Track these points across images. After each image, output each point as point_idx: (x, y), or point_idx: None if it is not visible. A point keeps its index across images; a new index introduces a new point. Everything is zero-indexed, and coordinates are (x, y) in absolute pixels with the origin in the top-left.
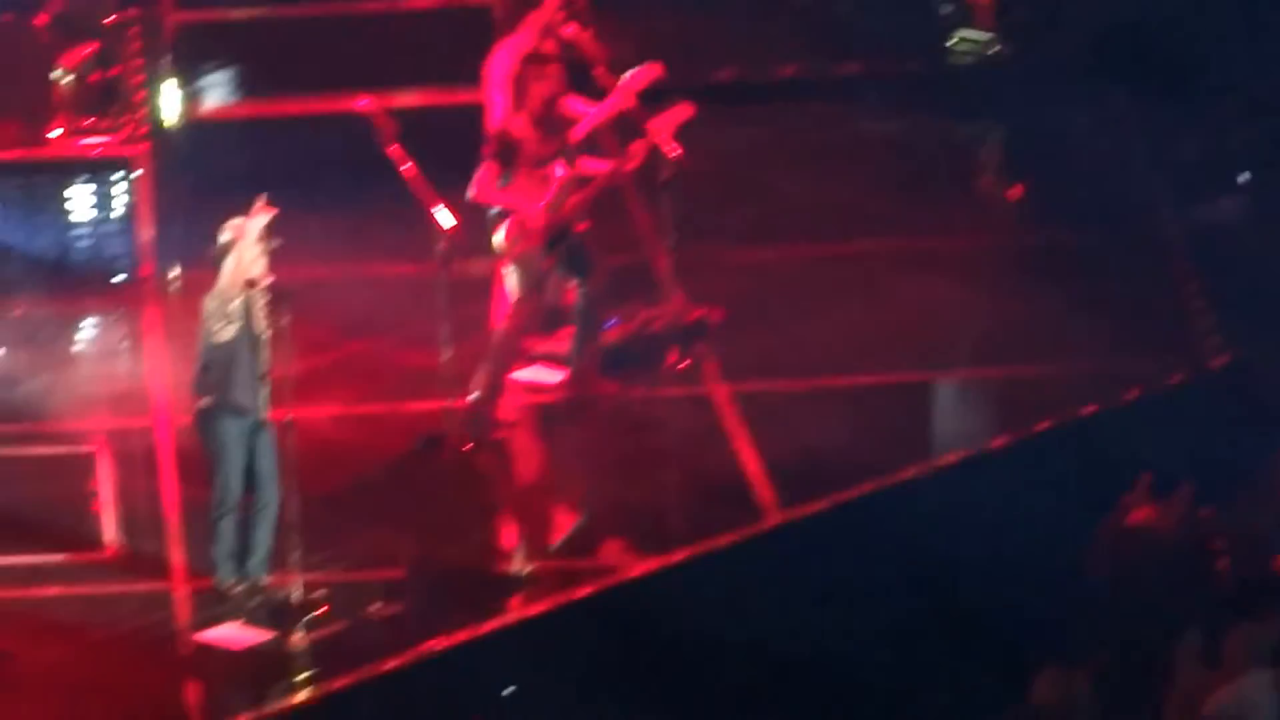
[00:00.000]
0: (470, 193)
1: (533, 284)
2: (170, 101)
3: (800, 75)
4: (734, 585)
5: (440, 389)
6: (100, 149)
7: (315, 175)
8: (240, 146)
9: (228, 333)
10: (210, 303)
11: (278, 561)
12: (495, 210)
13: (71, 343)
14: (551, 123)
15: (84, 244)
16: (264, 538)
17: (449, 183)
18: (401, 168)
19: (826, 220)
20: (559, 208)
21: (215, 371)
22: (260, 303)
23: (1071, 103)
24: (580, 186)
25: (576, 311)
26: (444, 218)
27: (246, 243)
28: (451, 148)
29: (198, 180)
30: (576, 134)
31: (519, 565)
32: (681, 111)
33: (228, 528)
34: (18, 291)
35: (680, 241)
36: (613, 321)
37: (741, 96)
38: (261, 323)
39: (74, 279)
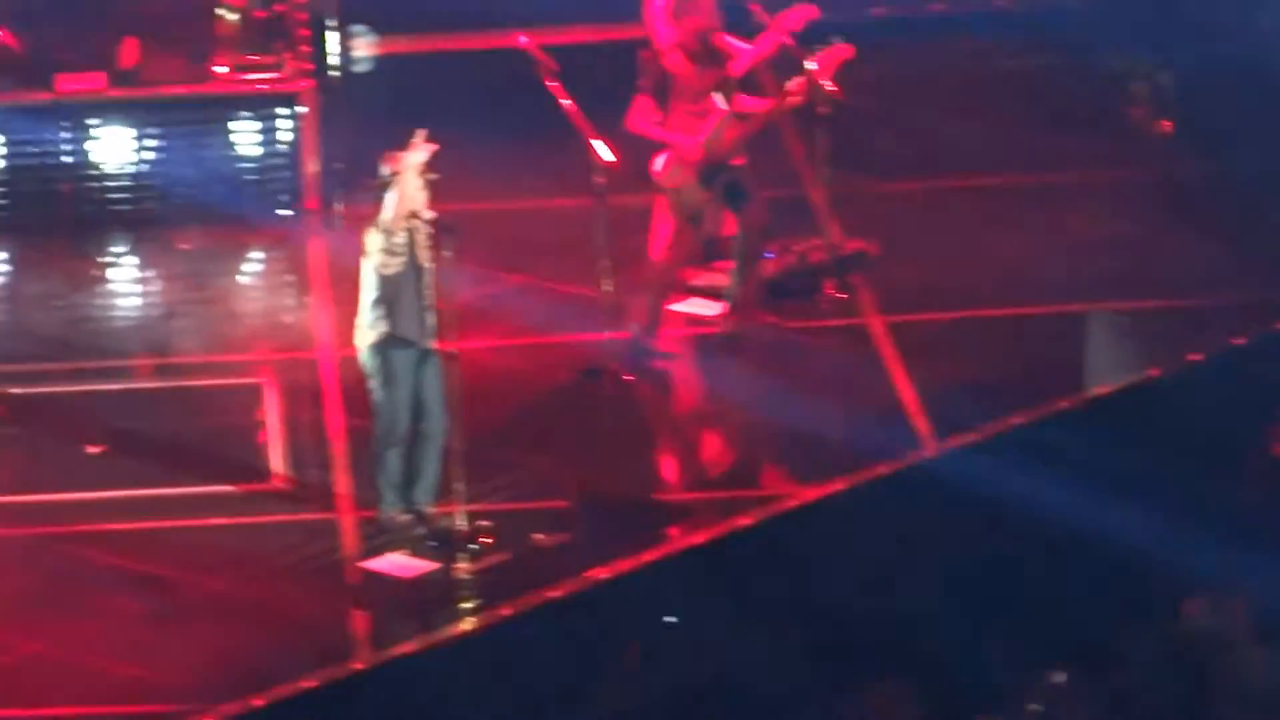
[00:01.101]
0: (627, 124)
1: (690, 217)
2: (333, 38)
3: (951, 11)
4: (894, 515)
5: (600, 321)
6: (265, 85)
7: (474, 110)
8: (401, 82)
9: (392, 265)
10: (374, 236)
11: (442, 491)
12: (653, 143)
13: (239, 275)
14: (708, 58)
15: (249, 179)
16: (430, 467)
17: (607, 118)
18: (560, 102)
19: (978, 154)
20: (716, 142)
21: (381, 303)
22: (423, 235)
23: (1223, 38)
24: (738, 122)
25: (734, 244)
26: (602, 151)
27: (408, 176)
28: (609, 82)
29: (360, 116)
30: (735, 70)
31: (679, 494)
32: (841, 51)
33: (393, 458)
34: (185, 225)
35: (836, 175)
36: (770, 254)
37: (894, 31)
38: (425, 255)
39: (239, 213)
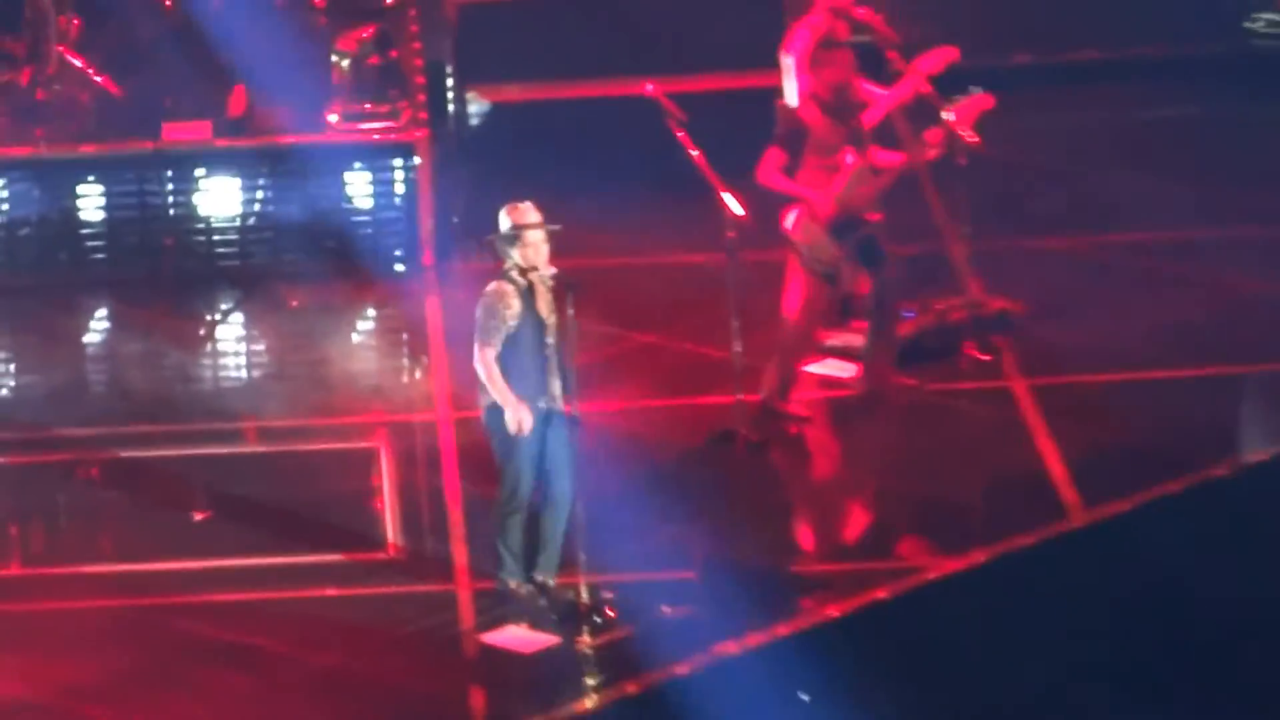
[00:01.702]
0: (757, 177)
1: (824, 274)
2: (450, 86)
3: (1102, 57)
4: (1037, 589)
5: (730, 382)
6: (380, 134)
7: (598, 161)
8: (521, 131)
9: (513, 323)
10: (494, 292)
11: (565, 561)
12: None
13: (352, 333)
14: (843, 109)
15: (363, 232)
16: (554, 536)
17: (738, 170)
18: (688, 153)
19: (1128, 207)
20: (851, 196)
21: (502, 362)
22: (545, 292)
23: None
24: (873, 175)
25: (871, 303)
26: (732, 205)
27: (529, 230)
28: (740, 133)
29: (478, 166)
30: (868, 120)
31: (812, 565)
32: (981, 102)
33: (515, 525)
34: (295, 281)
35: (978, 231)
36: (909, 313)
37: (1039, 80)
38: (547, 312)
39: (353, 267)
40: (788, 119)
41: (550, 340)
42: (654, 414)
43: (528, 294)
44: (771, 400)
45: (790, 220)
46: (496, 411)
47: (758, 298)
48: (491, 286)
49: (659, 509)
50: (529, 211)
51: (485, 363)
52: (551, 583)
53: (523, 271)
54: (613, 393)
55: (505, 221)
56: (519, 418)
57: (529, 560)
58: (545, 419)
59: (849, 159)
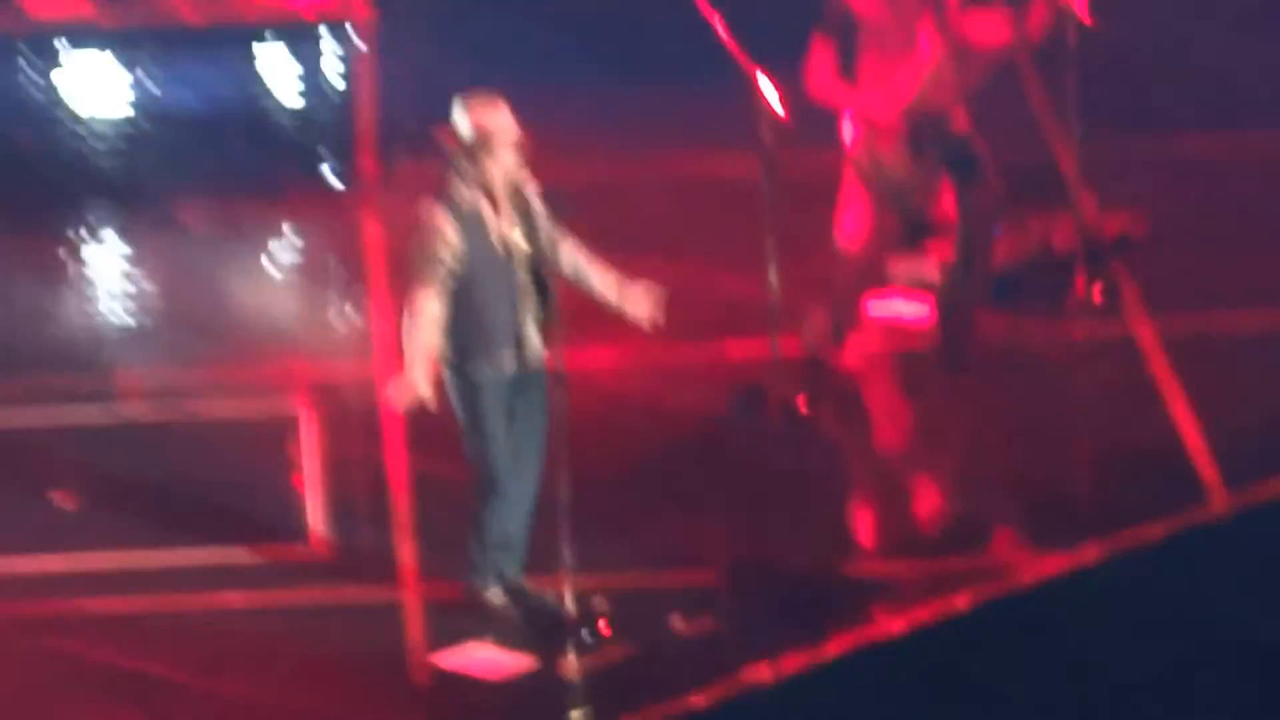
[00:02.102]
0: (807, 85)
1: (892, 194)
2: None
3: None
4: (1165, 591)
5: (764, 327)
6: (309, 5)
7: (588, 35)
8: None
9: (453, 260)
10: (452, 217)
11: (543, 560)
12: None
13: (268, 264)
14: None
15: (282, 132)
16: (523, 529)
17: (779, 57)
18: (709, 21)
19: None
20: (926, 95)
21: (463, 311)
22: (522, 216)
23: None
24: (957, 65)
25: (955, 226)
26: (771, 97)
27: (499, 133)
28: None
29: (431, 47)
30: None
31: (867, 566)
32: None
33: (493, 517)
34: (193, 195)
35: (1092, 132)
36: (1001, 236)
37: None
38: (518, 239)
39: (275, 178)
40: (839, 8)
41: (521, 273)
42: (662, 371)
43: (480, 220)
44: (819, 350)
45: (848, 129)
46: (457, 374)
47: (804, 220)
48: (424, 210)
49: (669, 493)
50: (497, 110)
51: (411, 309)
52: (525, 587)
53: (483, 189)
54: (610, 343)
55: (464, 122)
56: (400, 387)
57: (497, 560)
58: (518, 383)
59: (924, 47)
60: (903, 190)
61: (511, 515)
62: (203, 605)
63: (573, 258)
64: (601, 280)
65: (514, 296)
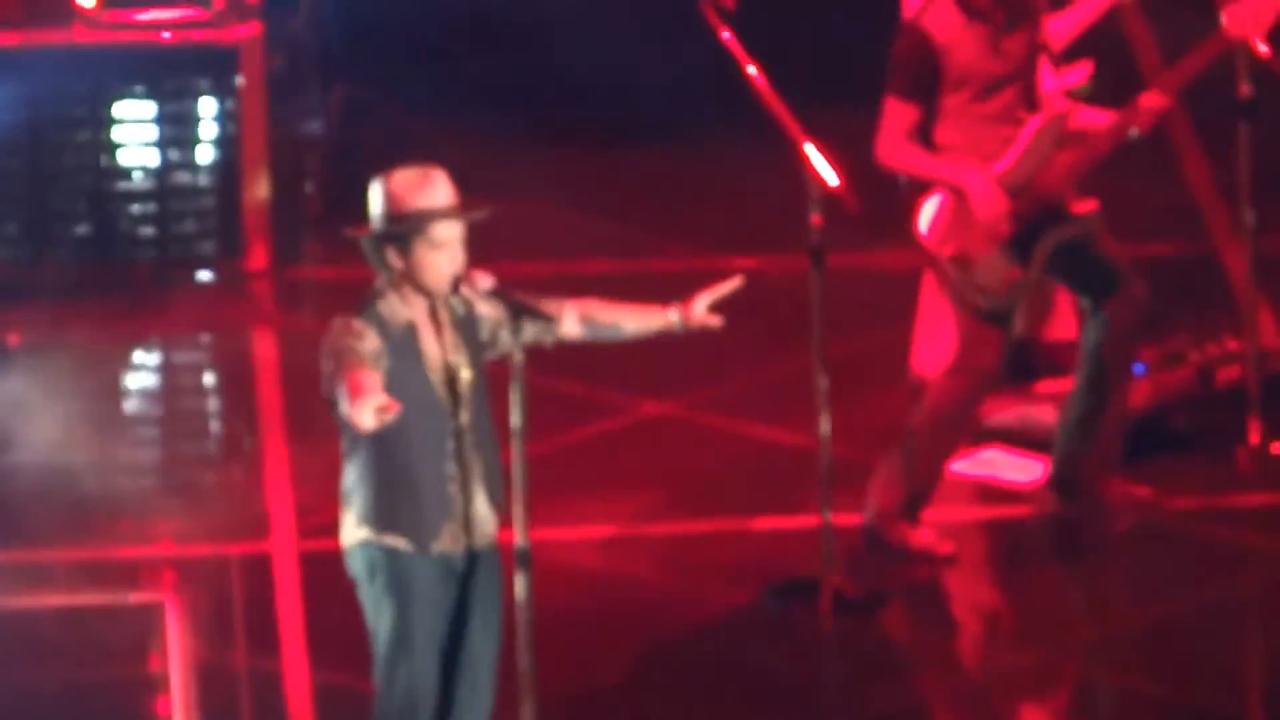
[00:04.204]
0: (878, 154)
1: (990, 309)
2: None
3: None
4: None
5: (811, 491)
6: (175, 32)
7: (547, 80)
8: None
9: (410, 395)
10: (338, 330)
11: None
12: (911, 179)
13: (121, 392)
14: (1013, 25)
15: (140, 207)
16: None
17: (829, 124)
18: (743, 71)
19: None
20: (1035, 173)
21: (385, 467)
22: (454, 325)
23: None
24: (1075, 135)
25: (1080, 356)
26: (822, 168)
27: (440, 221)
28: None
29: (355, 89)
30: (1056, 41)
31: None
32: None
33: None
34: (22, 295)
35: (1271, 221)
36: (1141, 369)
37: None
38: (460, 362)
39: (126, 272)
40: (917, 42)
41: (466, 414)
42: (664, 545)
43: (413, 343)
44: (887, 524)
45: (929, 215)
46: (368, 549)
47: (865, 336)
48: (337, 323)
49: (673, 705)
50: (438, 186)
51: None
52: None
53: (418, 290)
54: (593, 510)
55: (388, 203)
56: (358, 406)
57: None
58: (462, 563)
59: (1031, 111)
60: (1003, 303)
61: (465, 712)
62: None
63: (589, 314)
64: (638, 317)
65: (457, 446)
